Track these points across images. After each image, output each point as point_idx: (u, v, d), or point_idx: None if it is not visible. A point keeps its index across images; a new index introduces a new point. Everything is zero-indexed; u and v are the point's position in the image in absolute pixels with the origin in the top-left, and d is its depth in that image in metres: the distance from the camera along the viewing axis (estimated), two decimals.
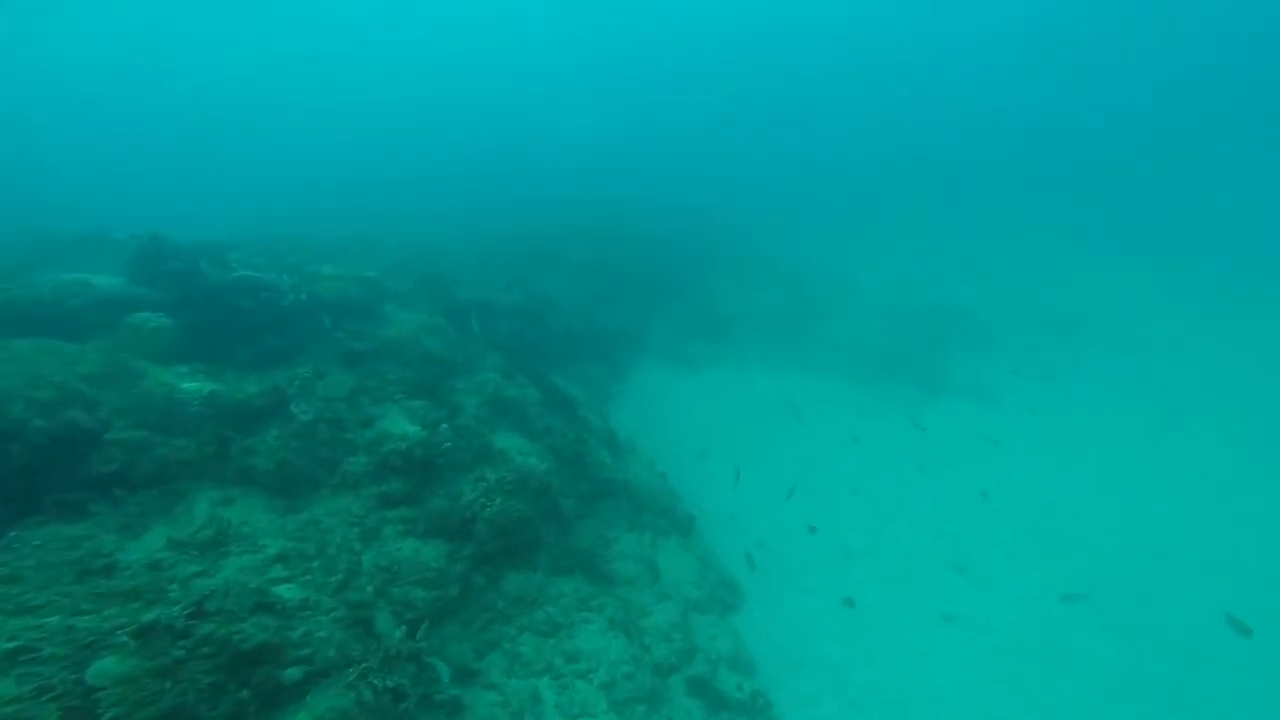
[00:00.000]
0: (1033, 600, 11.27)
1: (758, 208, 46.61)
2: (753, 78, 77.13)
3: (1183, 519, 13.82)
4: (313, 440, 8.66)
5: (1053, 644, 10.29)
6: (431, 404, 10.43)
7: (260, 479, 7.96)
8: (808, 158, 66.16)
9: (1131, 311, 26.37)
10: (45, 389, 7.10)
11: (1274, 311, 25.42)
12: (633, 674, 7.83)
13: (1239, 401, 19.40)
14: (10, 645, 4.27)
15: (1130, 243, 34.31)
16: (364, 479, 8.49)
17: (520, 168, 51.69)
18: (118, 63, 67.66)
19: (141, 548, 6.41)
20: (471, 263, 21.36)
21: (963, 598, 11.22)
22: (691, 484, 13.52)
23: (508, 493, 8.61)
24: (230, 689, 4.62)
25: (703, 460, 15.15)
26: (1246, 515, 13.92)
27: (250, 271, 11.14)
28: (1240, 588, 11.52)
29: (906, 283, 28.63)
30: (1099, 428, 18.11)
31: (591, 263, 24.53)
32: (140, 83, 69.25)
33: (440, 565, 7.68)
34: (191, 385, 8.54)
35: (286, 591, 6.19)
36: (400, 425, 9.52)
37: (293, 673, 5.07)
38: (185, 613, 4.78)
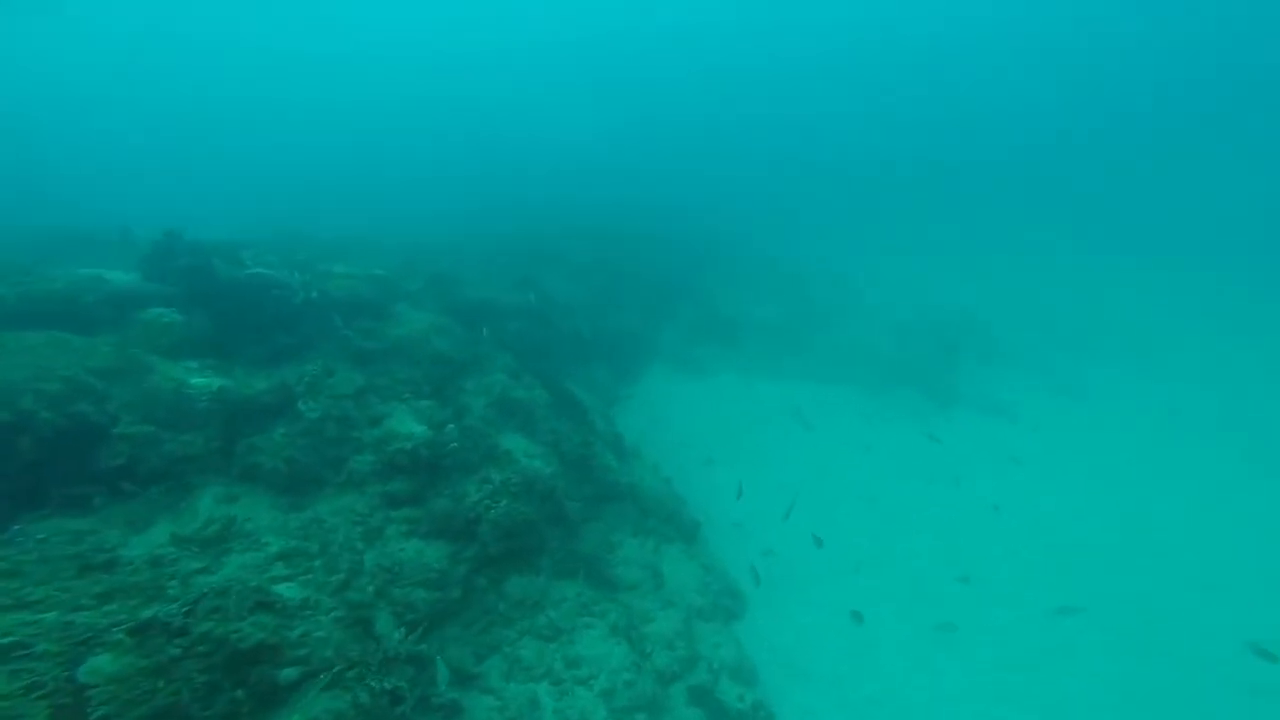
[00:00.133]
0: (1040, 616, 11.08)
1: (758, 208, 46.53)
2: (752, 78, 77.00)
3: (1191, 533, 13.66)
4: (320, 438, 8.66)
5: (1058, 660, 10.09)
6: (439, 404, 10.43)
7: (266, 476, 7.95)
8: (808, 158, 65.99)
9: (1138, 319, 26.02)
10: (54, 382, 7.15)
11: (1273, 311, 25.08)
12: (633, 681, 7.74)
13: (1250, 413, 19.04)
14: (4, 641, 4.25)
15: (1130, 243, 33.90)
16: (369, 478, 8.47)
17: (520, 168, 51.79)
18: (118, 63, 68.26)
19: (145, 543, 6.42)
20: (472, 262, 21.34)
21: (970, 612, 11.03)
22: (697, 490, 13.39)
23: (513, 495, 8.56)
24: (225, 688, 4.59)
25: (709, 466, 15.03)
26: (1254, 529, 13.74)
27: (263, 269, 11.22)
28: (1250, 605, 11.35)
29: (908, 284, 28.41)
30: (1110, 443, 17.85)
31: (591, 263, 24.44)
32: (140, 82, 69.82)
33: (443, 566, 7.63)
34: (201, 381, 8.56)
35: (287, 590, 6.17)
36: (407, 425, 9.50)
37: (289, 673, 5.04)
38: (183, 610, 4.75)
